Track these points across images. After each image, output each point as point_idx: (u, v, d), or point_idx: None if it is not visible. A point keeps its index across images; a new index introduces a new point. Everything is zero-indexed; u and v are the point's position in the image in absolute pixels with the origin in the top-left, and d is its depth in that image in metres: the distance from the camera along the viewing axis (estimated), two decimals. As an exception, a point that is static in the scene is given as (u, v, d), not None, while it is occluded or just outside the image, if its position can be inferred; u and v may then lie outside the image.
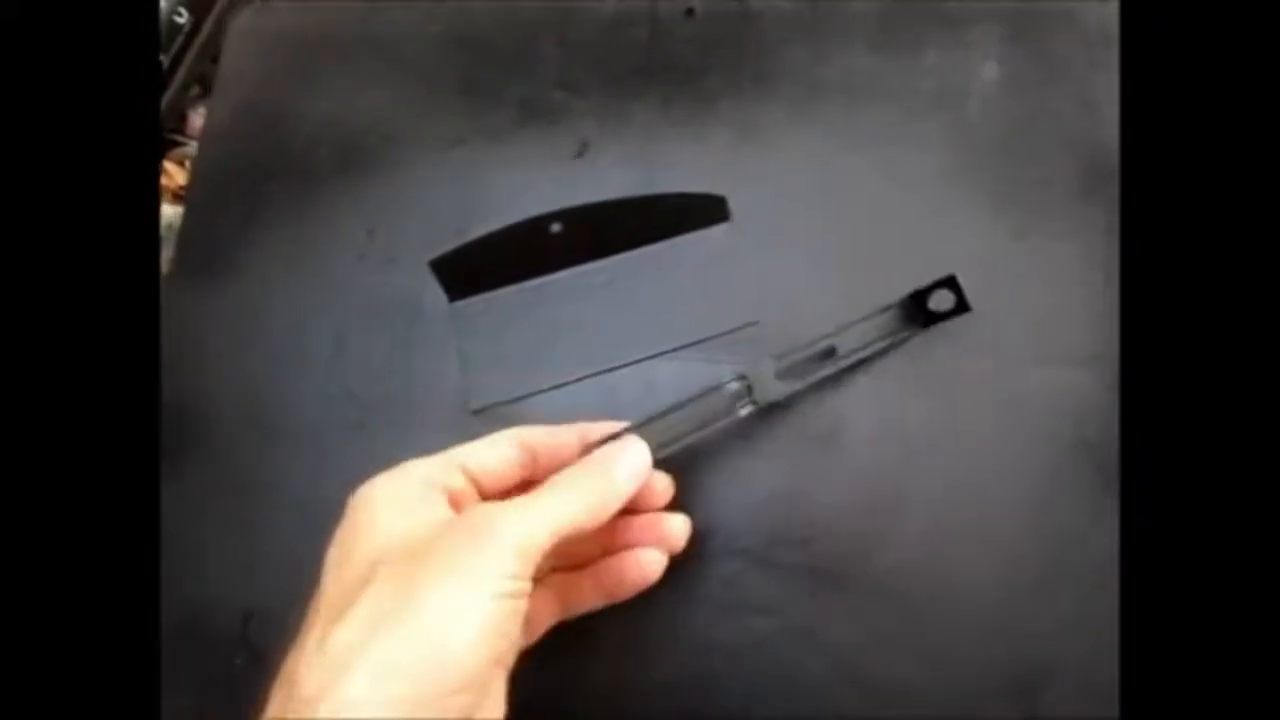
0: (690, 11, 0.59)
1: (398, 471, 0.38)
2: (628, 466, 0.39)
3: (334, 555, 0.36)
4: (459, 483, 0.38)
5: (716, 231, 0.53)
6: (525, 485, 0.40)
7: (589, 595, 0.42)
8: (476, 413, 0.50)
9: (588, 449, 0.40)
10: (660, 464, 0.42)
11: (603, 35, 0.59)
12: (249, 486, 0.51)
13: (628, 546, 0.42)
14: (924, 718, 0.44)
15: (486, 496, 0.40)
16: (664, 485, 0.44)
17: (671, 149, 0.55)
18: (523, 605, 0.34)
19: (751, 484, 0.48)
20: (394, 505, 0.36)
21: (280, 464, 0.51)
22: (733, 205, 0.53)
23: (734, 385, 0.46)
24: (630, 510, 0.41)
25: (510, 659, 0.36)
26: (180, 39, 0.91)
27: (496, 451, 0.40)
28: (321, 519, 0.49)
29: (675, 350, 0.50)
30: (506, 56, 0.59)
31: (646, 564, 0.42)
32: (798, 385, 0.47)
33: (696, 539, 0.46)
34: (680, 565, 0.46)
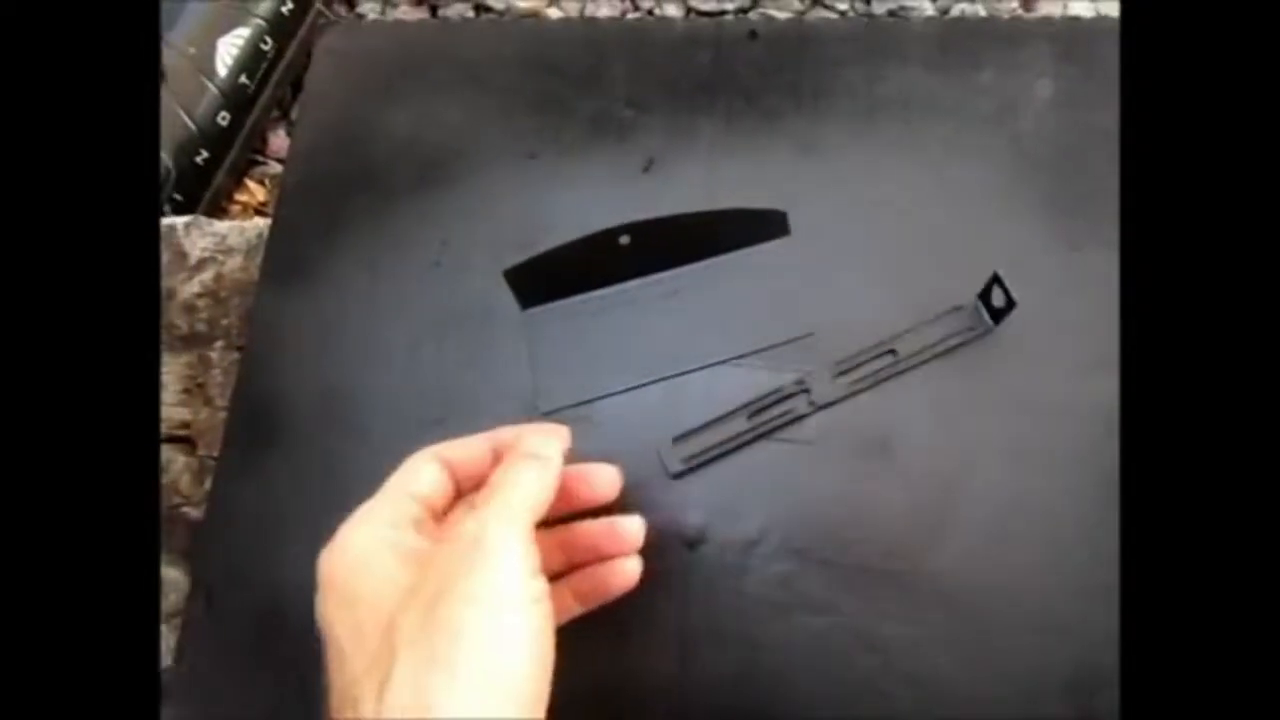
0: (753, 34, 0.61)
1: (359, 525, 0.38)
2: (547, 439, 0.41)
3: (341, 628, 0.35)
4: (416, 510, 0.40)
5: (777, 245, 0.55)
6: (457, 496, 0.42)
7: (571, 603, 0.44)
8: (546, 414, 0.53)
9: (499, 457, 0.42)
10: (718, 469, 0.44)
11: (670, 56, 0.61)
12: (330, 479, 0.54)
13: (595, 553, 0.44)
14: (976, 717, 0.45)
15: (438, 514, 0.41)
16: (610, 476, 0.45)
17: (734, 165, 0.58)
18: (548, 602, 0.35)
19: (808, 486, 0.50)
20: (378, 559, 0.36)
21: (357, 460, 0.54)
22: (793, 219, 0.55)
23: (793, 389, 0.48)
24: (587, 514, 0.44)
25: (551, 660, 0.36)
26: (264, 65, 0.96)
27: (427, 473, 0.41)
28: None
29: (737, 358, 0.52)
30: (578, 75, 0.62)
31: (628, 570, 0.44)
32: (856, 387, 0.49)
33: (754, 539, 0.48)
34: (738, 564, 0.48)
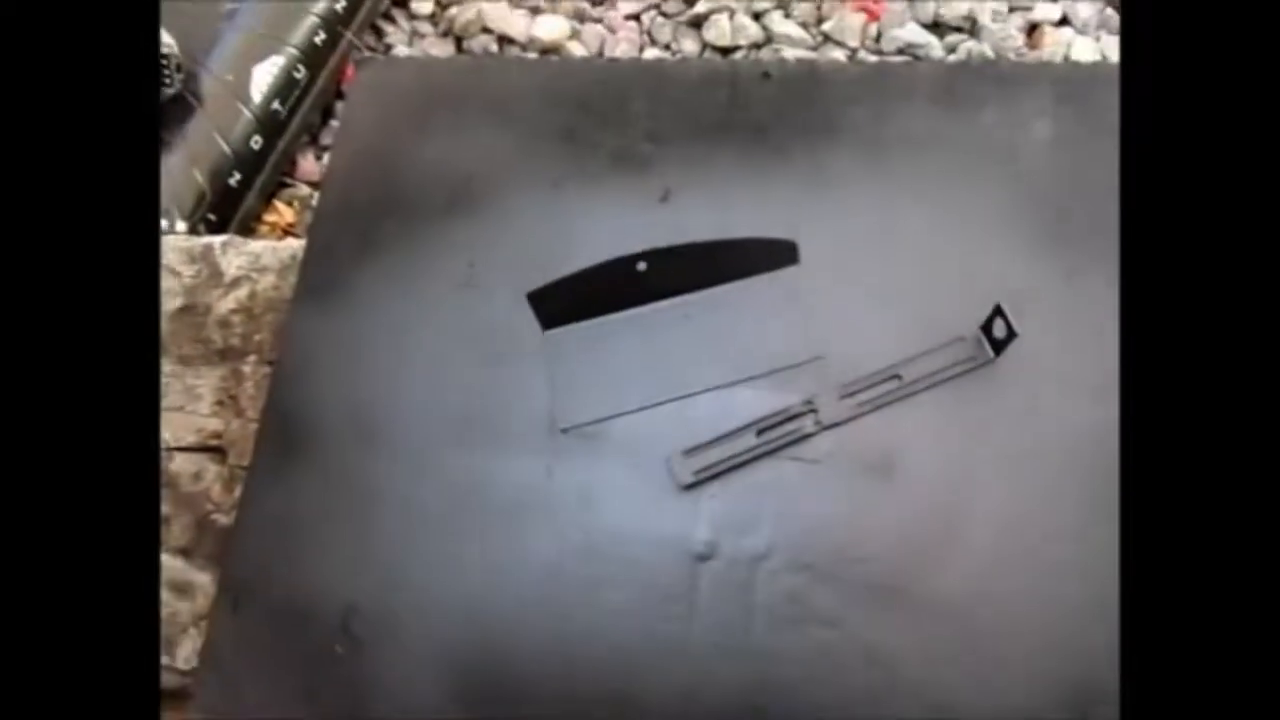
0: (766, 74, 0.65)
1: None
2: None
3: None
4: None
5: (787, 273, 0.57)
6: None
7: None
8: (564, 431, 0.55)
9: None
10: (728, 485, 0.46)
11: (688, 94, 0.65)
12: (357, 489, 0.56)
13: None
14: (976, 730, 0.47)
15: None
16: None
17: (747, 196, 0.61)
18: None
19: (816, 505, 0.52)
20: None
21: (383, 471, 0.57)
22: (802, 249, 0.58)
23: (801, 409, 0.50)
24: None
25: None
26: (297, 92, 1.00)
27: None
28: (419, 523, 0.54)
29: (748, 379, 0.55)
30: (601, 111, 0.65)
31: None
32: (862, 409, 0.52)
33: (762, 554, 0.50)
34: (746, 578, 0.50)
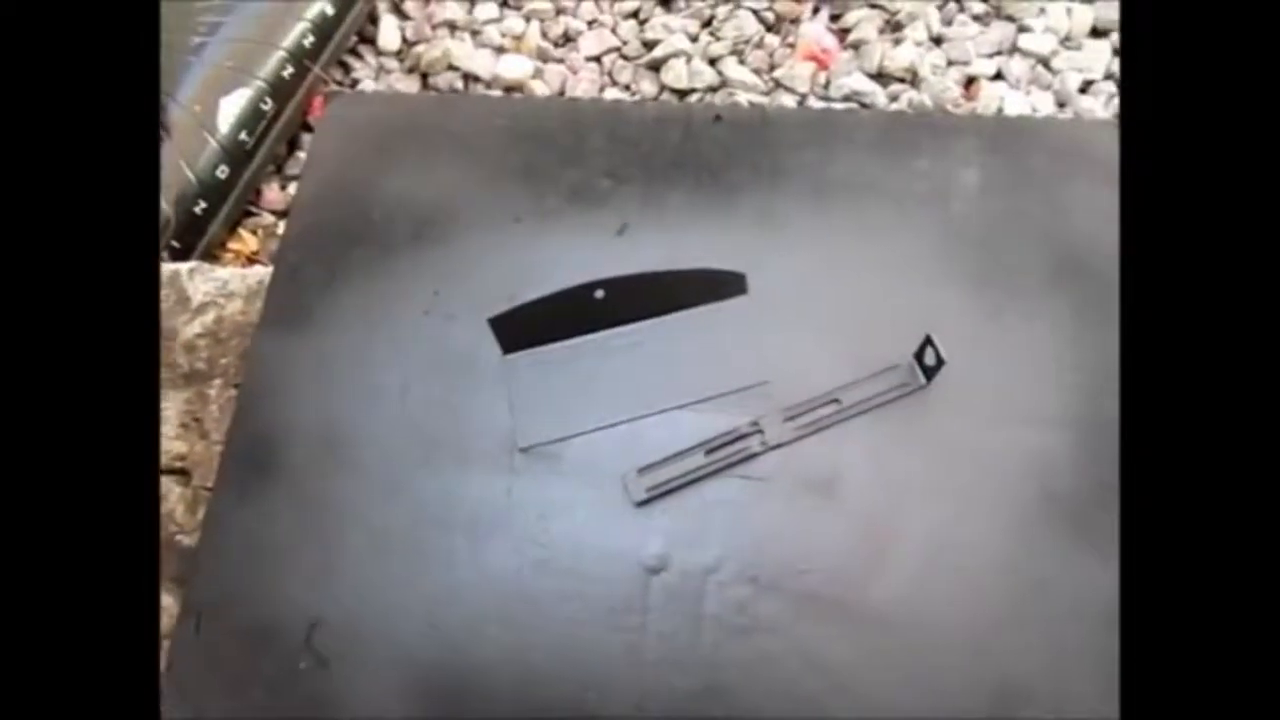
0: (718, 117, 0.69)
1: None
2: None
3: None
4: None
5: (736, 303, 0.61)
6: None
7: None
8: (524, 450, 0.58)
9: None
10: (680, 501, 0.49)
11: (644, 133, 0.69)
12: (321, 510, 0.58)
13: None
14: (911, 732, 0.50)
15: None
16: None
17: (699, 231, 0.65)
18: None
19: (762, 521, 0.55)
20: None
21: (350, 491, 0.58)
22: (750, 281, 0.61)
23: (748, 431, 0.54)
24: None
25: None
26: (263, 124, 1.02)
27: None
28: (383, 541, 0.56)
29: (698, 402, 0.58)
30: (561, 148, 0.69)
31: None
32: (804, 431, 0.55)
33: (712, 566, 0.53)
34: (696, 589, 0.53)
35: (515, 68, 1.20)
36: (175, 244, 0.97)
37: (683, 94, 1.18)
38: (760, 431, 0.56)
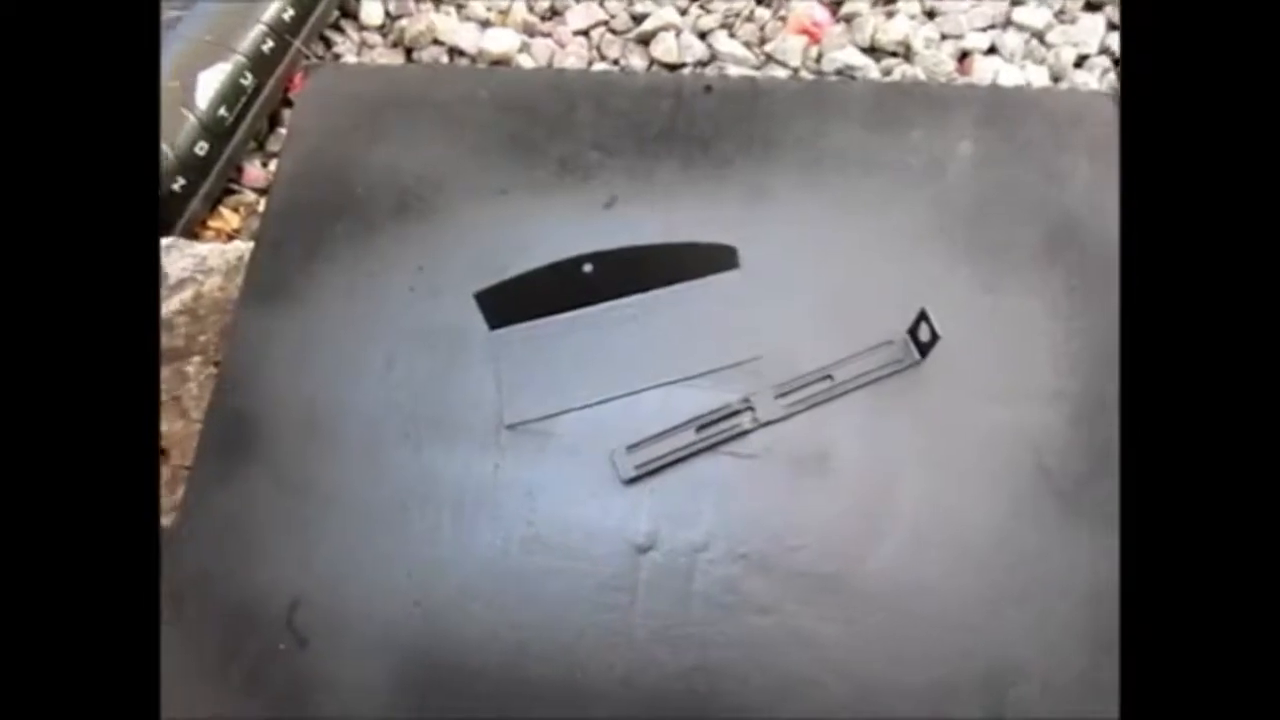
0: (709, 88, 0.68)
1: None
2: None
3: None
4: None
5: (727, 277, 0.60)
6: None
7: None
8: (511, 427, 0.57)
9: None
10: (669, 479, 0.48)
11: (633, 104, 0.67)
12: (303, 487, 0.57)
13: None
14: (902, 710, 0.49)
15: None
16: None
17: (690, 204, 0.63)
18: None
19: (752, 498, 0.54)
20: None
21: (333, 468, 0.57)
22: (741, 255, 0.60)
23: (739, 406, 0.53)
24: None
25: None
26: (244, 99, 1.00)
27: None
28: (366, 519, 0.55)
29: (688, 378, 0.57)
30: (549, 119, 0.67)
31: None
32: (796, 408, 0.54)
33: (702, 544, 0.53)
34: (686, 567, 0.52)
35: (501, 41, 1.18)
36: (154, 221, 0.95)
37: (672, 68, 1.16)
38: (751, 408, 0.55)
